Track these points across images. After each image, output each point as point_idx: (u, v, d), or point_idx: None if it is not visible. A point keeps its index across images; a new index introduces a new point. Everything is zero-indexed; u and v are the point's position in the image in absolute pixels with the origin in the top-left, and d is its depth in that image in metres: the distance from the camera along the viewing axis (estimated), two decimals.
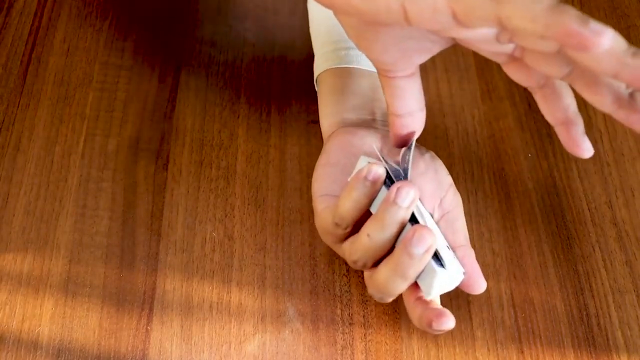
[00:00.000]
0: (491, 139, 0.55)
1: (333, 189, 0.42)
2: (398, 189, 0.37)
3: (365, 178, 0.38)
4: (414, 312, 0.39)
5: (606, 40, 0.27)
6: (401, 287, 0.38)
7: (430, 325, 0.38)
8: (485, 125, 0.56)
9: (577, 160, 0.54)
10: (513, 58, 0.35)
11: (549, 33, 0.28)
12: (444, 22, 0.31)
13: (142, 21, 0.60)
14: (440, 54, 0.59)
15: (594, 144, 0.55)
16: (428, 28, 0.33)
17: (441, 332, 0.38)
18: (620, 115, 0.33)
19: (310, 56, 0.59)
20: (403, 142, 0.42)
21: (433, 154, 0.44)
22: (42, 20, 0.59)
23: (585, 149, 0.38)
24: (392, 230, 0.37)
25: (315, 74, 0.51)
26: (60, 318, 0.45)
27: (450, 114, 0.56)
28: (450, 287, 0.39)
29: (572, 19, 0.27)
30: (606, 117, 0.56)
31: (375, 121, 0.46)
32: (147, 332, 0.45)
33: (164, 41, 0.59)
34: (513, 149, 0.55)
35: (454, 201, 0.42)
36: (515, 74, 0.37)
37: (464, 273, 0.40)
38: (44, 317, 0.45)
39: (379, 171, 0.38)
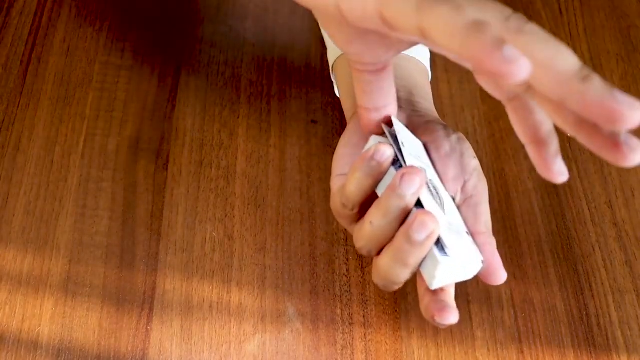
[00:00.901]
0: (491, 139, 0.55)
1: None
2: (403, 175, 0.35)
3: (371, 158, 0.36)
4: (422, 302, 0.38)
5: (521, 69, 0.24)
6: (403, 275, 0.37)
7: (432, 318, 0.37)
8: (485, 125, 0.56)
9: (577, 160, 0.54)
10: None
11: (462, 53, 0.26)
12: (376, 25, 0.31)
13: (142, 21, 0.60)
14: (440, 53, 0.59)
15: None
16: (365, 27, 0.32)
17: (445, 326, 0.37)
18: (583, 138, 0.29)
19: (310, 55, 0.59)
20: (373, 132, 0.40)
21: (461, 135, 0.42)
22: (42, 20, 0.59)
23: (557, 172, 0.33)
24: (394, 217, 0.36)
25: (331, 61, 0.50)
26: (60, 318, 0.45)
27: (450, 114, 0.56)
28: (465, 276, 0.37)
29: (487, 40, 0.25)
30: None
31: (399, 99, 0.44)
32: (147, 332, 0.45)
33: (164, 41, 0.59)
34: (513, 149, 0.55)
35: (478, 186, 0.40)
36: (484, 83, 0.35)
37: (482, 262, 0.38)
38: (44, 317, 0.45)
39: (387, 152, 0.36)
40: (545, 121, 0.34)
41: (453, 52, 0.27)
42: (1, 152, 0.52)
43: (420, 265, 0.37)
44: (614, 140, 0.28)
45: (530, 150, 0.35)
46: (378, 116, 0.39)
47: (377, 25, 0.31)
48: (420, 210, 0.35)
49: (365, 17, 0.31)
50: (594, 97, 0.26)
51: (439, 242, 0.36)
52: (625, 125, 0.25)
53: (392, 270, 0.37)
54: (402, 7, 0.29)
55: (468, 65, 0.33)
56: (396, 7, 0.29)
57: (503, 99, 0.35)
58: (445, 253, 0.36)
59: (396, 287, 0.39)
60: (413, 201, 0.36)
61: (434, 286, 0.36)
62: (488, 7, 0.28)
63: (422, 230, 0.34)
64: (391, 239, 0.37)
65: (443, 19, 0.27)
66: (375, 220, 0.36)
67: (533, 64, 0.26)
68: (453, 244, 0.36)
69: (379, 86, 0.38)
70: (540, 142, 0.34)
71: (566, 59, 0.26)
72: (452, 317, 0.37)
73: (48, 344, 0.44)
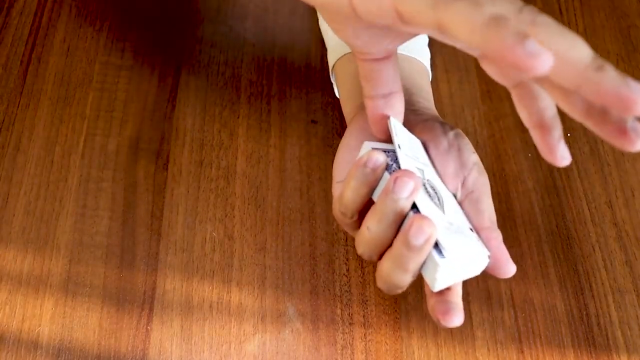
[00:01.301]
0: (491, 139, 0.55)
1: None
2: (396, 178, 0.35)
3: (364, 166, 0.36)
4: (428, 303, 0.38)
5: (544, 63, 0.25)
6: (405, 279, 0.37)
7: (438, 321, 0.37)
8: (485, 125, 0.56)
9: (577, 160, 0.54)
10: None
11: (484, 48, 0.26)
12: (390, 20, 0.31)
13: (142, 21, 0.60)
14: (440, 53, 0.59)
15: (594, 143, 0.55)
16: (378, 23, 0.32)
17: (449, 327, 0.37)
18: (591, 124, 0.30)
19: (310, 55, 0.59)
20: (381, 127, 0.40)
21: (459, 131, 0.42)
22: (42, 20, 0.59)
23: (560, 156, 0.34)
24: (390, 222, 0.36)
25: (331, 63, 0.50)
26: (60, 318, 0.45)
27: (450, 114, 0.56)
28: (471, 273, 0.37)
29: (508, 35, 0.26)
30: None
31: None
32: (147, 332, 0.45)
33: (164, 41, 0.59)
34: (513, 149, 0.55)
35: (478, 181, 0.40)
36: (489, 70, 0.35)
37: (489, 256, 0.38)
38: (44, 317, 0.45)
39: (380, 159, 0.36)
40: (549, 106, 0.35)
41: (472, 47, 0.27)
42: (1, 152, 0.52)
43: (421, 268, 0.37)
44: (621, 127, 0.29)
45: (534, 135, 0.35)
46: (384, 104, 0.39)
47: (391, 21, 0.31)
48: (417, 215, 0.35)
49: (380, 13, 0.31)
50: (609, 86, 0.27)
51: (437, 245, 0.36)
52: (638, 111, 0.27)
53: (393, 275, 0.37)
54: (419, 3, 0.29)
55: (474, 53, 0.34)
56: (412, 3, 0.29)
57: (508, 84, 0.35)
58: (444, 255, 0.36)
59: (400, 291, 0.39)
60: (408, 205, 0.36)
61: (436, 288, 0.36)
62: (500, 0, 0.29)
63: (419, 235, 0.34)
64: (390, 243, 0.37)
65: (462, 14, 0.27)
66: (372, 226, 0.36)
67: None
68: (451, 245, 0.36)
69: (383, 73, 0.38)
70: (544, 127, 0.35)
71: (580, 50, 0.27)
72: (456, 319, 0.37)
73: (48, 344, 0.44)
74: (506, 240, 0.50)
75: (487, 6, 0.27)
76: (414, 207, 0.36)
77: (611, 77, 0.27)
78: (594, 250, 0.50)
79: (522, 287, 0.48)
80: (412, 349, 0.46)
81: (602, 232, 0.51)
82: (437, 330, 0.46)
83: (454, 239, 0.37)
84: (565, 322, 0.47)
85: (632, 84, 0.27)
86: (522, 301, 0.48)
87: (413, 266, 0.36)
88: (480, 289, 0.48)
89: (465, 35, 0.27)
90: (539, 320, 0.47)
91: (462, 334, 0.46)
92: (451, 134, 0.41)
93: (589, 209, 0.52)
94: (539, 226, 0.51)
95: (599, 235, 0.51)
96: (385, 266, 0.37)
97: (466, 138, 0.42)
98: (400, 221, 0.36)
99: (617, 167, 0.54)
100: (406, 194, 0.35)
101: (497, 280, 0.48)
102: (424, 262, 0.36)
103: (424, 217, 0.34)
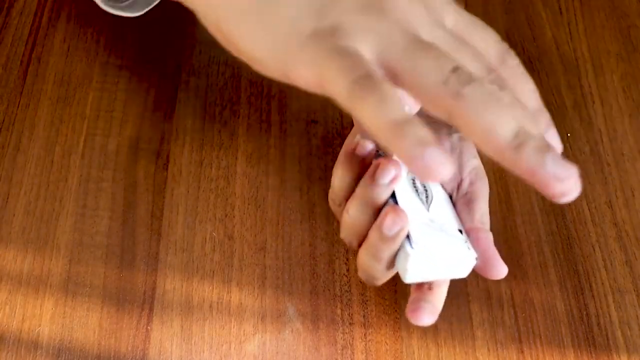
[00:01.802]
0: None
1: None
2: (378, 165, 0.35)
3: (352, 152, 0.37)
4: (409, 297, 0.39)
5: (444, 173, 0.26)
6: (377, 268, 0.38)
7: (408, 317, 0.38)
8: None
9: (577, 160, 0.54)
10: None
11: (388, 147, 0.27)
12: (321, 92, 0.32)
13: (141, 21, 0.60)
14: None
15: (594, 144, 0.55)
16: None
17: (417, 325, 0.38)
18: (506, 164, 0.29)
19: None
20: None
21: (463, 135, 0.42)
22: (42, 20, 0.59)
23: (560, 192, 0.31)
24: (368, 207, 0.36)
25: None
26: (60, 318, 0.45)
27: None
28: (456, 274, 0.38)
29: (410, 145, 0.26)
30: (606, 117, 0.56)
31: None
32: (147, 332, 0.45)
33: (163, 41, 0.59)
34: None
35: (475, 184, 0.41)
36: None
37: (476, 259, 0.38)
38: (44, 317, 0.45)
39: (368, 147, 0.37)
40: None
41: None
42: (1, 152, 0.52)
43: (395, 259, 0.37)
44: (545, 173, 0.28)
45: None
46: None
47: (322, 93, 0.32)
48: (391, 207, 0.35)
49: (308, 88, 0.32)
50: (526, 167, 0.27)
51: (410, 237, 0.36)
52: (557, 193, 0.27)
53: (368, 264, 0.38)
54: (338, 90, 0.29)
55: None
56: (333, 89, 0.30)
57: None
58: (413, 247, 0.36)
59: (377, 282, 0.40)
60: (387, 192, 0.36)
61: (407, 280, 0.37)
62: (430, 66, 0.29)
63: (392, 226, 0.35)
64: (368, 231, 0.37)
65: (369, 112, 0.28)
66: (351, 210, 0.37)
67: (472, 131, 0.28)
68: (424, 240, 0.36)
69: None
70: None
71: (503, 126, 0.27)
72: (425, 318, 0.37)
73: (48, 344, 0.44)
74: (506, 240, 0.50)
75: (392, 106, 0.27)
76: (395, 198, 0.37)
77: (529, 157, 0.27)
78: (594, 250, 0.50)
79: (522, 287, 0.48)
80: (412, 349, 0.46)
81: (602, 232, 0.51)
82: (437, 330, 0.46)
83: (430, 235, 0.37)
84: (565, 322, 0.47)
85: (550, 164, 0.27)
86: (522, 301, 0.48)
87: (386, 255, 0.36)
88: (480, 289, 0.48)
89: (372, 132, 0.28)
90: (539, 320, 0.47)
91: (462, 334, 0.46)
92: (455, 136, 0.42)
93: (589, 209, 0.52)
94: (539, 226, 0.51)
95: (599, 235, 0.51)
96: (362, 254, 0.38)
97: (470, 142, 0.42)
98: (378, 208, 0.36)
99: (617, 167, 0.54)
100: (386, 180, 0.35)
101: (497, 280, 0.48)
102: (397, 253, 0.37)
103: (398, 209, 0.35)
